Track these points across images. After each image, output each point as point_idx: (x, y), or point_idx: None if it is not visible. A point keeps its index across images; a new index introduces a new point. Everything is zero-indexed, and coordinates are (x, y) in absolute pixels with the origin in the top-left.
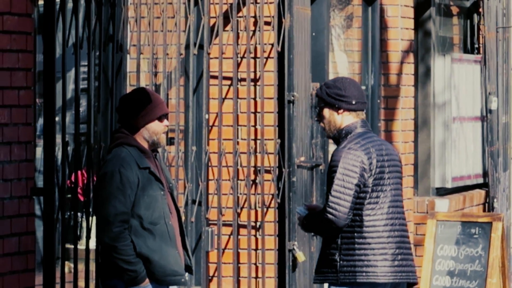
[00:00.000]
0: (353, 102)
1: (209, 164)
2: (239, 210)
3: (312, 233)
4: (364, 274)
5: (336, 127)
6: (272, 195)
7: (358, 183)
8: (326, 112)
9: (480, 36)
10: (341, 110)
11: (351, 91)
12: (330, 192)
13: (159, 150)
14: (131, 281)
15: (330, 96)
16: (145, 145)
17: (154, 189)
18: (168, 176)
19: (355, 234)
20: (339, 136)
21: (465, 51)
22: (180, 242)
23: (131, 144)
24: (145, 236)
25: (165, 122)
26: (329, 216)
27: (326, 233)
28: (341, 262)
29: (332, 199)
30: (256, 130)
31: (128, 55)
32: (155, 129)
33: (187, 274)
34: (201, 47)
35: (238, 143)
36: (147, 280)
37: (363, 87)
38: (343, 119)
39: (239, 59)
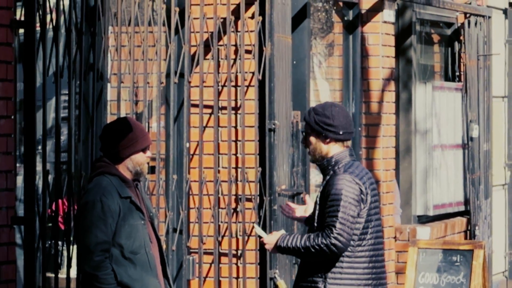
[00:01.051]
0: (340, 133)
1: (190, 193)
2: (220, 239)
3: (288, 255)
4: None
5: (321, 155)
6: (253, 223)
7: (357, 213)
8: (313, 139)
9: (461, 64)
10: (328, 140)
11: (339, 121)
12: (336, 218)
13: (141, 179)
14: None
15: (318, 124)
16: (127, 174)
17: (135, 219)
18: (149, 205)
19: (344, 263)
20: (328, 164)
21: (446, 78)
22: (161, 271)
23: (113, 173)
24: (126, 265)
25: (148, 153)
26: (336, 242)
27: (318, 259)
28: None
29: (339, 226)
30: (237, 158)
31: (108, 84)
32: (139, 160)
33: None
34: (181, 75)
35: (219, 171)
36: None
37: None
38: (330, 148)
39: (220, 88)
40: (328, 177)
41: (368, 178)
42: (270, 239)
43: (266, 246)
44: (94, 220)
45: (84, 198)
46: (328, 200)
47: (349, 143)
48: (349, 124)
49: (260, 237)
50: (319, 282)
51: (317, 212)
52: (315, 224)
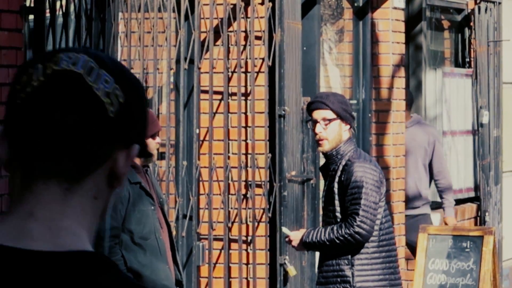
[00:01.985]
0: (354, 119)
1: (200, 179)
2: (230, 225)
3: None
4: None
5: (339, 142)
6: (263, 209)
7: (379, 199)
8: (336, 126)
9: (472, 50)
10: (347, 125)
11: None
12: (359, 206)
13: (150, 165)
14: None
15: (346, 111)
16: (137, 160)
17: (145, 204)
18: (159, 191)
19: (369, 248)
20: (337, 153)
21: (456, 65)
22: (171, 257)
23: None
24: (136, 251)
25: (158, 139)
26: (361, 230)
27: (345, 249)
28: (354, 277)
29: (363, 213)
30: (247, 144)
31: None
32: (148, 146)
33: None
34: (191, 61)
35: (229, 157)
36: None
37: (354, 101)
38: (343, 133)
39: (229, 74)
40: (340, 166)
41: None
42: (296, 236)
43: (293, 243)
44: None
45: None
46: (349, 188)
47: None
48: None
49: (286, 236)
50: (345, 269)
51: (336, 202)
52: (336, 214)
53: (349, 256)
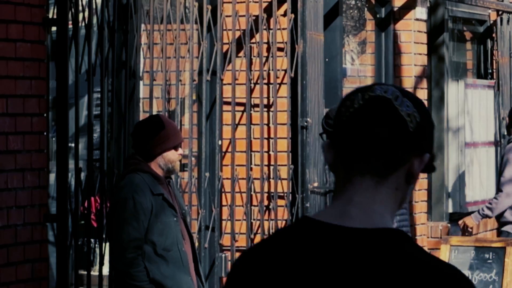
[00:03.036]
0: None
1: (223, 190)
2: (252, 236)
3: None
4: None
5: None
6: (286, 220)
7: None
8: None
9: (494, 61)
10: None
11: None
12: None
13: (173, 176)
14: None
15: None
16: (159, 171)
17: (168, 216)
18: (181, 202)
19: None
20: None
21: (479, 76)
22: (193, 268)
23: (145, 171)
24: (159, 262)
25: (180, 150)
26: None
27: None
28: None
29: None
30: (269, 155)
31: (141, 82)
32: (171, 157)
33: None
34: (214, 73)
35: (251, 169)
36: None
37: None
38: None
39: (252, 85)
40: None
41: None
42: None
43: None
44: (127, 217)
45: (117, 195)
46: None
47: None
48: None
49: None
50: None
51: None
52: None
53: None
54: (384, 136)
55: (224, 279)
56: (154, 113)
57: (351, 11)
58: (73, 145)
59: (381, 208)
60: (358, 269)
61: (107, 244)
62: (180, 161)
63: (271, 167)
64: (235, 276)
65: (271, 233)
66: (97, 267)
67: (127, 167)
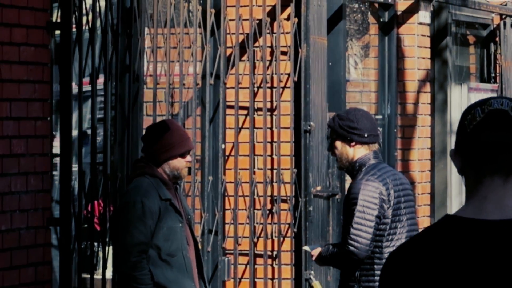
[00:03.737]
0: (365, 135)
1: (226, 194)
2: (255, 240)
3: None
4: None
5: (348, 159)
6: (289, 224)
7: (379, 215)
8: (338, 144)
9: (497, 65)
10: (353, 143)
11: (363, 124)
12: (351, 225)
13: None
14: None
15: (342, 128)
16: (166, 177)
17: (174, 221)
18: (187, 208)
19: (375, 266)
20: (353, 169)
21: (482, 80)
22: (197, 274)
23: (153, 175)
24: (163, 267)
25: (188, 158)
26: (351, 248)
27: (346, 266)
28: None
29: (353, 231)
30: (272, 159)
31: (144, 85)
32: (176, 165)
33: None
34: (217, 77)
35: (254, 172)
36: None
37: (380, 116)
38: (355, 151)
39: (255, 89)
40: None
41: (393, 179)
42: (316, 251)
43: (313, 258)
44: (134, 221)
45: (124, 198)
46: (347, 206)
47: (376, 146)
48: (373, 126)
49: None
50: (354, 286)
51: (342, 219)
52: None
53: (357, 272)
54: (507, 141)
55: (227, 283)
56: (158, 117)
57: (354, 15)
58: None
59: (510, 202)
60: (506, 255)
61: (110, 247)
62: (189, 168)
63: (274, 171)
64: (391, 274)
65: (274, 237)
66: (100, 270)
67: (135, 170)
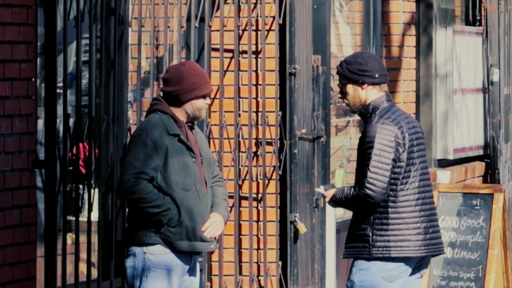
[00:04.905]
0: (376, 76)
1: (211, 136)
2: (240, 182)
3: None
4: (398, 248)
5: (361, 102)
6: (274, 167)
7: (395, 158)
8: (350, 88)
9: (482, 8)
10: (365, 85)
11: (372, 65)
12: (368, 168)
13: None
14: (172, 220)
15: (353, 72)
16: (182, 117)
17: (185, 156)
18: (205, 149)
19: (389, 209)
20: (366, 112)
21: (467, 23)
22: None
23: (164, 111)
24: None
25: (208, 100)
26: (368, 191)
27: (362, 209)
28: (374, 237)
29: (371, 174)
30: (257, 102)
31: (129, 28)
32: (199, 105)
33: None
34: (202, 19)
35: (239, 115)
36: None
37: None
38: (368, 94)
39: (240, 32)
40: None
41: (407, 122)
42: (329, 193)
43: (326, 199)
44: (137, 152)
45: (133, 133)
46: (363, 150)
47: (386, 87)
48: (382, 67)
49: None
50: (367, 229)
51: (356, 163)
52: (357, 174)
53: (370, 216)
54: None
55: None
56: (143, 59)
57: None
58: (61, 91)
59: None
60: None
61: (95, 190)
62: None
63: (259, 114)
64: None
65: (259, 179)
66: (85, 213)
67: (149, 108)
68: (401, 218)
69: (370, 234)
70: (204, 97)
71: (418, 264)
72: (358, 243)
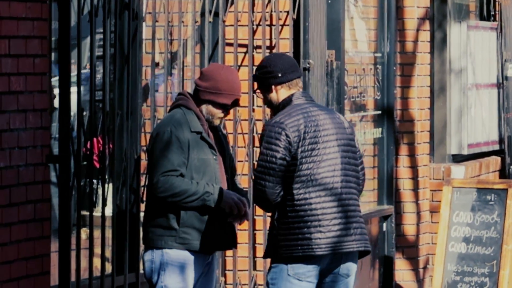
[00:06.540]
0: (279, 75)
1: (225, 132)
2: (253, 177)
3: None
4: (299, 248)
5: (276, 104)
6: None
7: (283, 157)
8: (264, 94)
9: (496, 3)
10: (272, 87)
11: (275, 65)
12: (255, 168)
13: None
14: (213, 202)
15: (260, 77)
16: (203, 115)
17: (206, 153)
18: (226, 147)
19: (287, 208)
20: (278, 112)
21: (481, 18)
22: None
23: (188, 107)
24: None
25: (224, 111)
26: (257, 191)
27: (263, 206)
28: (279, 237)
29: (257, 174)
30: None
31: (143, 23)
32: (213, 110)
33: None
34: (216, 14)
35: (253, 110)
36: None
37: (379, 54)
38: (278, 94)
39: (254, 27)
40: None
41: (309, 120)
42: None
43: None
44: (163, 150)
45: (156, 129)
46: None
47: (298, 84)
48: (288, 65)
49: None
50: (274, 229)
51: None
52: None
53: (275, 216)
54: None
55: None
56: (157, 54)
57: None
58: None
59: None
60: None
61: (110, 185)
62: (221, 119)
63: None
64: None
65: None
66: (99, 208)
67: (174, 102)
68: (299, 216)
69: (276, 234)
70: (221, 106)
71: (334, 264)
72: (269, 243)
